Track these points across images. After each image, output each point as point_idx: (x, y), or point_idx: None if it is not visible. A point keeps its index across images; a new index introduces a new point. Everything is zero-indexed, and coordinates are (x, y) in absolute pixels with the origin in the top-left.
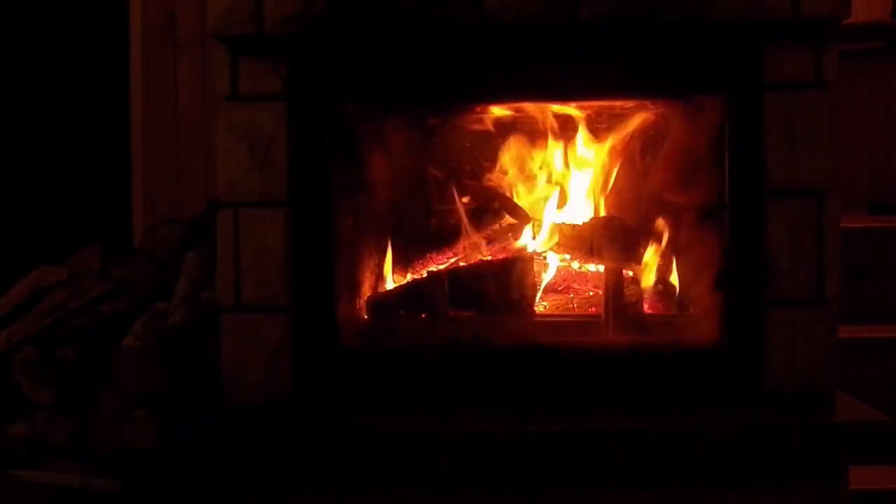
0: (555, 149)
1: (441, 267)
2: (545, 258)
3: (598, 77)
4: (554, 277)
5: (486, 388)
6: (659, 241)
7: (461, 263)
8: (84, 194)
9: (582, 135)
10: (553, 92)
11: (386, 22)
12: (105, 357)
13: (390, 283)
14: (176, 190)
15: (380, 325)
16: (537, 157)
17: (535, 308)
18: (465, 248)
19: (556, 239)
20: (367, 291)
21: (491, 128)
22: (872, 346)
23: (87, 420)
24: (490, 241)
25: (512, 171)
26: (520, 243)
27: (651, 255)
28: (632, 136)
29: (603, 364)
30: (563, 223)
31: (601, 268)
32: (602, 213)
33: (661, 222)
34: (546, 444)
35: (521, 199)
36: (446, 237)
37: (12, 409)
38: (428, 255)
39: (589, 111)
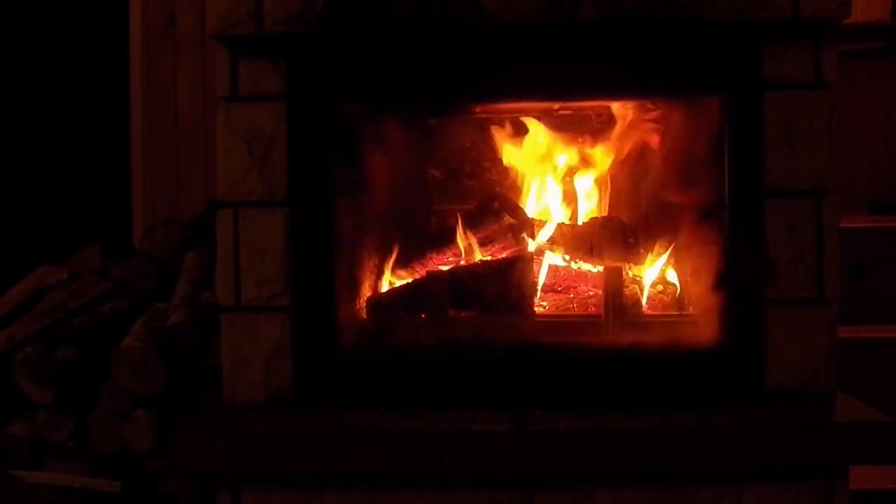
0: (555, 148)
1: (441, 267)
2: (545, 258)
3: (598, 77)
4: (554, 277)
5: (487, 388)
6: (659, 240)
7: (461, 263)
8: (84, 194)
9: (581, 135)
10: (553, 92)
11: (385, 22)
12: (105, 357)
13: (390, 283)
14: (175, 190)
15: (380, 325)
16: (537, 156)
17: (535, 308)
18: (464, 248)
19: (555, 239)
20: (367, 291)
21: (491, 128)
22: (872, 346)
23: (86, 420)
24: (490, 241)
25: (512, 171)
26: (519, 243)
27: (651, 255)
28: (631, 137)
29: (603, 364)
30: (563, 223)
31: (601, 268)
32: (602, 213)
33: (660, 222)
34: (546, 444)
35: (521, 199)
36: (446, 237)
37: (12, 409)
38: (428, 255)
39: (589, 111)
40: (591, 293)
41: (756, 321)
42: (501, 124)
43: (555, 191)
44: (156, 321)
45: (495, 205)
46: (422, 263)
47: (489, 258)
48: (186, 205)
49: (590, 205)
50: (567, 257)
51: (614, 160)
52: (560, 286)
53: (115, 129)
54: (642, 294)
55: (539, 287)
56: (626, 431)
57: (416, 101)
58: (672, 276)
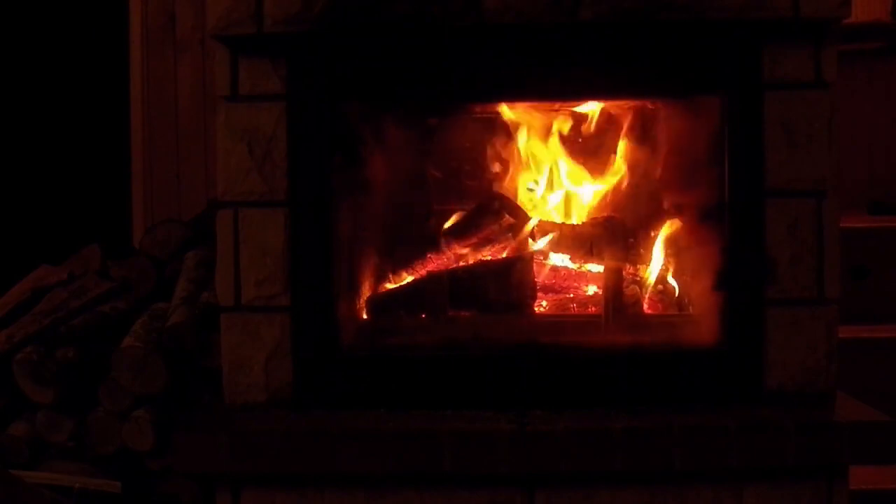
0: (555, 148)
1: (441, 267)
2: (545, 258)
3: (598, 77)
4: (554, 277)
5: (486, 388)
6: (658, 240)
7: (461, 263)
8: (84, 194)
9: (582, 134)
10: (552, 92)
11: (385, 22)
12: (105, 357)
13: (390, 283)
14: (176, 190)
15: (380, 325)
16: (537, 156)
17: (535, 308)
18: (464, 248)
19: (556, 239)
20: (367, 291)
21: (491, 127)
22: (872, 346)
23: (87, 420)
24: (490, 241)
25: (512, 171)
26: (519, 243)
27: (650, 255)
28: (631, 136)
29: (603, 364)
30: (563, 223)
31: (601, 268)
32: (602, 213)
33: (660, 222)
34: (546, 444)
35: (521, 198)
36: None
37: (12, 409)
38: (428, 255)
39: (591, 110)
40: (591, 293)
41: (756, 321)
42: (501, 124)
43: (555, 191)
44: (156, 321)
45: (495, 205)
46: (422, 263)
47: (489, 258)
48: (186, 205)
49: (590, 205)
50: (567, 257)
51: (614, 160)
52: (560, 286)
53: (115, 129)
54: (642, 294)
55: (539, 287)
56: (626, 431)
57: (416, 101)
58: (672, 276)
